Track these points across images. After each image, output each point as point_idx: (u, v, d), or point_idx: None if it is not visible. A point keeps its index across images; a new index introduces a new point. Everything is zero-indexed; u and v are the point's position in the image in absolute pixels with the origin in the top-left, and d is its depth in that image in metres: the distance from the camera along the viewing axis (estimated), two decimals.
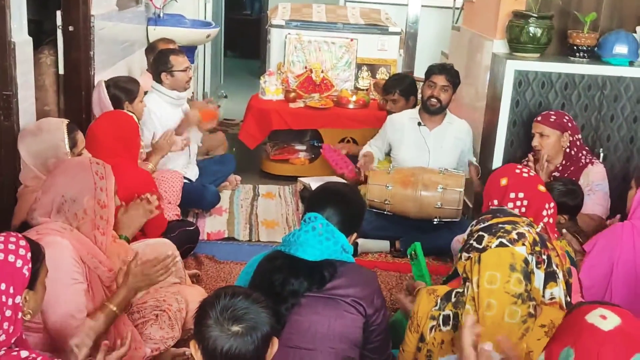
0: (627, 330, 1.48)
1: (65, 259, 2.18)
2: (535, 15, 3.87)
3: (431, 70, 4.06)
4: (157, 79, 4.16)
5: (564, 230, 3.08)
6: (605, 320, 1.50)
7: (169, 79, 4.12)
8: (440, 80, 4.00)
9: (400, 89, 4.56)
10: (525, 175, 2.39)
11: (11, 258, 1.73)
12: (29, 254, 1.77)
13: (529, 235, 1.92)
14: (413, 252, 2.95)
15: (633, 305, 2.67)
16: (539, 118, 3.64)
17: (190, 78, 4.34)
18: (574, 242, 3.02)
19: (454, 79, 4.03)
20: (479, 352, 1.72)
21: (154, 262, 2.35)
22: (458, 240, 3.56)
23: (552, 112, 3.66)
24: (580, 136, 3.65)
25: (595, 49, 3.98)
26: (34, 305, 1.82)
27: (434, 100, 4.00)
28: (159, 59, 4.19)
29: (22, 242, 1.78)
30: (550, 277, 1.92)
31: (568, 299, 2.03)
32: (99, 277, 2.31)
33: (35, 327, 2.13)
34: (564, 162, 3.61)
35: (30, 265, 1.76)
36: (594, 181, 3.51)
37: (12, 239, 1.76)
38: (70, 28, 3.77)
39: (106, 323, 2.24)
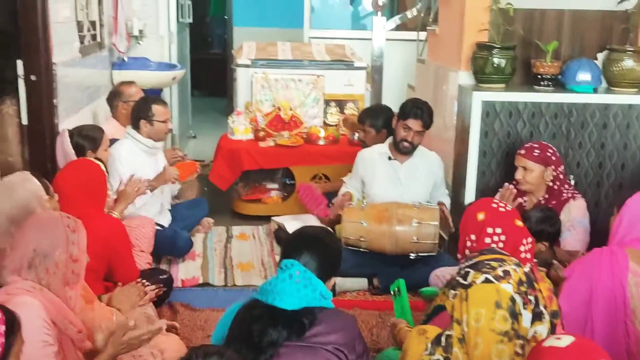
0: (584, 343, 1.58)
1: (35, 320, 2.09)
2: (499, 46, 3.93)
3: (407, 113, 3.88)
4: (135, 126, 4.08)
5: (554, 262, 3.06)
6: (560, 340, 1.58)
7: (147, 127, 4.04)
8: (416, 125, 3.88)
9: (371, 121, 4.53)
10: (502, 209, 2.37)
11: None
12: (3, 327, 1.68)
13: (515, 274, 1.90)
14: (397, 289, 2.91)
15: (614, 332, 2.66)
16: (522, 151, 3.58)
17: (170, 130, 4.29)
18: (560, 270, 3.00)
19: (429, 122, 3.91)
20: None
21: (139, 335, 2.32)
22: (436, 274, 3.55)
23: (536, 145, 3.59)
24: (562, 169, 3.60)
25: (559, 77, 4.04)
26: None
27: (406, 143, 3.92)
28: (141, 106, 4.11)
29: None
30: (536, 317, 1.90)
31: None
32: (70, 338, 2.22)
33: None
34: (546, 195, 3.57)
35: (3, 340, 1.67)
36: (576, 217, 3.47)
37: None
38: (33, 77, 3.71)
39: None
